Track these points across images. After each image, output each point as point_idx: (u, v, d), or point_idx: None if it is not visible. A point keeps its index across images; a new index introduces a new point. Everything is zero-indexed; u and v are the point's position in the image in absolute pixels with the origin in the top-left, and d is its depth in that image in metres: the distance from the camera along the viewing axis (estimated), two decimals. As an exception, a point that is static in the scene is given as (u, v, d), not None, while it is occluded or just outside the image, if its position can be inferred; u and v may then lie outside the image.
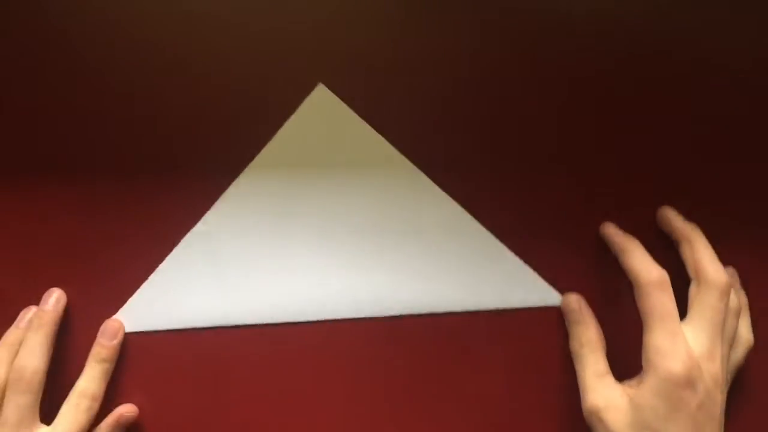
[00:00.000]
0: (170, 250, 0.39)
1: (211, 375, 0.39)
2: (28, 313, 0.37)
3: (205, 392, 0.39)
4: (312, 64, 0.40)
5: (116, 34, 0.40)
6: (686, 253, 0.37)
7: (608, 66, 0.41)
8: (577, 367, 0.37)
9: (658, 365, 0.32)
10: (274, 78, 0.40)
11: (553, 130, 0.41)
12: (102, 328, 0.38)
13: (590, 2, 0.41)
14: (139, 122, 0.40)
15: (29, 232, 0.39)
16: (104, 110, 0.40)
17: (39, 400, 0.35)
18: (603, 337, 0.38)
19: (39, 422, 0.35)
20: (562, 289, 0.40)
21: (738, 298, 0.37)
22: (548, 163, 0.41)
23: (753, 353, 0.38)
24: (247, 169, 0.40)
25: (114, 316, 0.39)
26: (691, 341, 0.33)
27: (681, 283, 0.36)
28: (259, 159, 0.40)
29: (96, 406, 0.36)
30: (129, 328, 0.39)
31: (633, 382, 0.35)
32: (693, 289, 0.35)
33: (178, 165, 0.40)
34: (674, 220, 0.39)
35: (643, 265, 0.35)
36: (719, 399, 0.33)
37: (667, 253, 0.38)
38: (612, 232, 0.38)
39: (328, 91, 0.40)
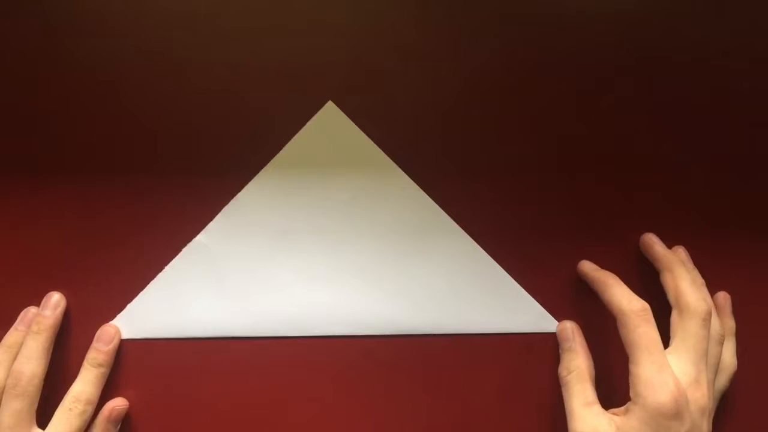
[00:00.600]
0: (171, 258, 0.40)
1: (205, 384, 0.39)
2: (27, 314, 0.38)
3: (198, 401, 0.39)
4: (322, 82, 0.40)
5: (130, 43, 0.39)
6: (667, 281, 0.37)
7: (612, 72, 0.41)
8: (565, 395, 0.37)
9: (646, 397, 0.33)
10: (284, 94, 0.40)
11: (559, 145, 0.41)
12: (98, 333, 0.38)
13: (590, 5, 0.41)
14: (147, 131, 0.40)
15: (30, 235, 0.39)
16: (110, 118, 0.40)
17: (35, 404, 0.35)
18: (592, 366, 0.38)
19: (35, 426, 0.35)
20: (558, 312, 0.40)
21: (724, 324, 0.38)
22: (552, 186, 0.41)
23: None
24: (251, 183, 0.40)
25: (111, 322, 0.39)
26: (676, 370, 0.33)
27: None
28: (264, 173, 0.40)
29: (90, 410, 0.36)
30: (126, 335, 0.39)
31: (620, 410, 0.35)
32: (674, 318, 0.36)
33: (182, 175, 0.40)
34: (656, 247, 0.39)
35: (624, 297, 0.35)
36: (705, 427, 0.34)
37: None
38: (590, 268, 0.39)
39: (337, 109, 0.40)
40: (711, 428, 0.35)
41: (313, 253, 0.40)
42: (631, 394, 0.34)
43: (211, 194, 0.40)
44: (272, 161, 0.40)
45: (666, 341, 0.35)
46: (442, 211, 0.40)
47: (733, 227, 0.41)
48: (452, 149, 0.41)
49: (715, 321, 0.37)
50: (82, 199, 0.39)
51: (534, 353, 0.40)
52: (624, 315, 0.35)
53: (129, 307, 0.39)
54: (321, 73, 0.40)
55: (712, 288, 0.40)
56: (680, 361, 0.34)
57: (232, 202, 0.40)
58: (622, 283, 0.37)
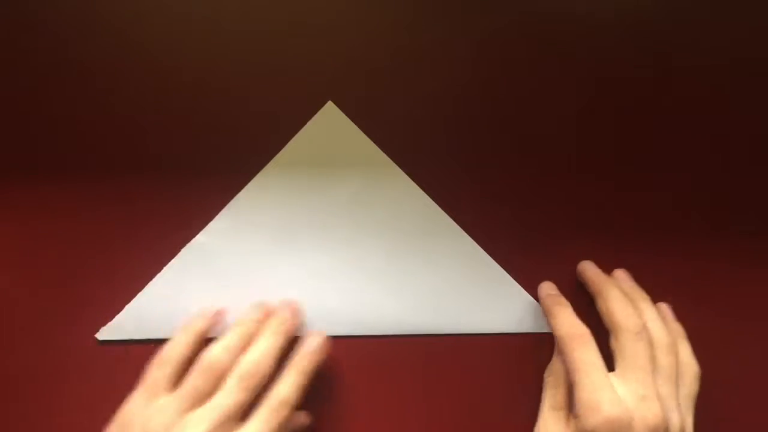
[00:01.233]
0: (171, 258, 0.39)
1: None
2: (260, 308, 0.38)
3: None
4: (322, 82, 0.40)
5: (130, 44, 0.40)
6: (600, 306, 0.37)
7: (613, 71, 0.41)
8: (542, 394, 0.38)
9: (585, 418, 0.33)
10: (285, 94, 0.40)
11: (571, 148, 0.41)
12: (307, 339, 0.37)
13: (590, 4, 0.41)
14: (147, 131, 0.40)
15: (30, 234, 0.39)
16: (110, 119, 0.40)
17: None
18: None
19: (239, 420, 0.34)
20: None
21: (671, 332, 0.37)
22: (552, 185, 0.41)
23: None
24: (251, 183, 0.40)
25: (110, 323, 0.39)
26: (620, 390, 0.33)
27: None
28: (264, 173, 0.40)
29: (291, 416, 0.35)
30: (125, 336, 0.39)
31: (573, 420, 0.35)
32: (612, 340, 0.36)
33: (183, 175, 0.40)
34: (587, 273, 0.39)
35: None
36: None
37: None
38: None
39: (337, 109, 0.40)
40: None
41: (312, 254, 0.40)
42: (576, 406, 0.34)
43: (211, 194, 0.40)
44: (272, 161, 0.40)
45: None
46: (441, 210, 0.41)
47: (733, 227, 0.42)
48: (452, 149, 0.41)
49: (659, 331, 0.36)
50: (81, 198, 0.39)
51: (535, 352, 0.40)
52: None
53: (128, 307, 0.39)
54: (321, 74, 0.40)
55: (714, 288, 0.40)
56: (624, 380, 0.34)
57: (232, 201, 0.40)
58: (568, 307, 0.37)
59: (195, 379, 0.33)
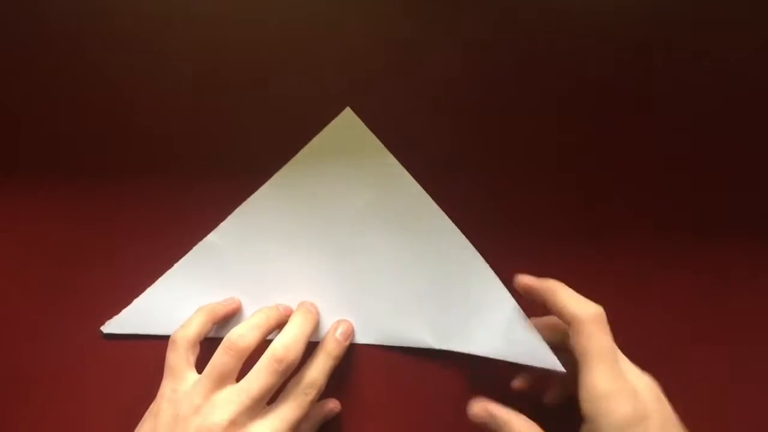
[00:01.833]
0: (182, 256, 0.40)
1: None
2: (277, 305, 0.38)
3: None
4: (341, 88, 0.40)
5: (147, 45, 0.40)
6: (552, 306, 0.34)
7: (614, 69, 0.40)
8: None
9: (606, 411, 0.30)
10: (303, 98, 0.40)
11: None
12: (336, 325, 0.38)
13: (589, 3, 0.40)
14: (165, 130, 0.40)
15: (46, 230, 0.40)
16: (129, 120, 0.40)
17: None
18: (529, 421, 0.34)
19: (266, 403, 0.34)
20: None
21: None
22: (568, 191, 0.40)
23: None
24: (264, 186, 0.40)
25: (117, 316, 0.39)
26: (601, 381, 0.31)
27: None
28: (278, 176, 0.40)
29: (317, 398, 0.35)
30: (132, 330, 0.39)
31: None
32: (572, 336, 0.33)
33: (198, 175, 0.40)
34: (531, 283, 0.35)
35: (577, 304, 0.33)
36: (668, 410, 0.32)
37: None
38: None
39: (355, 116, 0.40)
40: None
41: (322, 258, 0.40)
42: (587, 409, 0.31)
43: (225, 195, 0.40)
44: (287, 165, 0.40)
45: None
46: (454, 226, 0.39)
47: (733, 227, 0.40)
48: (468, 158, 0.40)
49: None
50: (97, 195, 0.40)
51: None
52: (579, 321, 0.32)
53: (136, 301, 0.39)
54: (340, 80, 0.40)
55: (715, 288, 0.40)
56: (598, 372, 0.31)
57: (245, 203, 0.40)
58: (570, 289, 0.34)
59: (219, 357, 0.33)
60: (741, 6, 0.40)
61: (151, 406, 0.34)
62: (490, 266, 0.38)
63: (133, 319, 0.39)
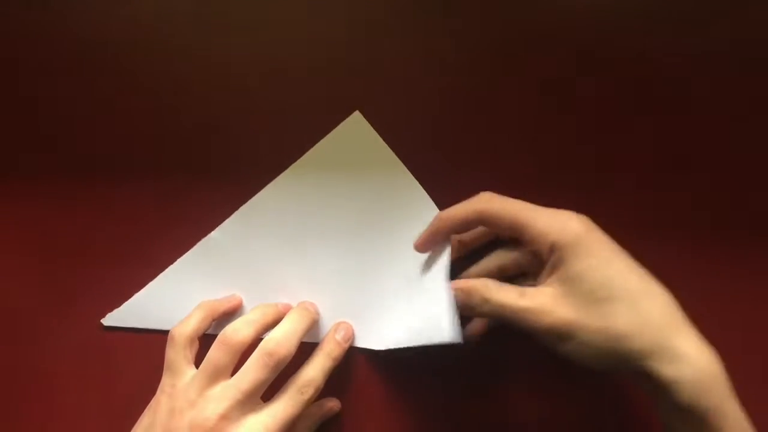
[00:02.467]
0: (184, 253, 0.40)
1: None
2: (277, 303, 0.38)
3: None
4: (351, 91, 0.40)
5: (158, 46, 0.41)
6: (521, 235, 0.33)
7: (616, 71, 0.40)
8: (505, 314, 0.31)
9: (557, 231, 0.31)
10: (313, 100, 0.40)
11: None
12: (340, 327, 0.38)
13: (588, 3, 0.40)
14: (173, 130, 0.41)
15: (46, 225, 0.41)
16: (133, 117, 0.41)
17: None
18: (483, 278, 0.33)
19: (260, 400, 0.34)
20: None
21: None
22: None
23: None
24: (269, 185, 0.40)
25: (117, 309, 0.39)
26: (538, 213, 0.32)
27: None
28: (284, 176, 0.40)
29: (314, 398, 0.35)
30: (131, 324, 0.39)
31: (541, 278, 0.32)
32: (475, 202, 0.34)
33: (203, 173, 0.40)
34: (458, 210, 0.34)
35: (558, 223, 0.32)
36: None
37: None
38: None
39: (363, 119, 0.40)
40: None
41: (323, 260, 0.39)
42: (537, 247, 0.31)
43: (230, 193, 0.40)
44: (293, 165, 0.40)
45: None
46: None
47: (734, 227, 0.40)
48: (475, 164, 0.40)
49: None
50: (104, 192, 0.41)
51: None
52: (477, 198, 0.33)
53: (137, 295, 0.39)
54: (350, 83, 0.40)
55: (716, 288, 0.39)
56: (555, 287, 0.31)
57: (250, 201, 0.40)
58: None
59: (214, 352, 0.33)
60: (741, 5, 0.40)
61: (152, 401, 0.34)
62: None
63: (133, 312, 0.39)
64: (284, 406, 0.33)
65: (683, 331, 0.30)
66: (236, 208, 0.40)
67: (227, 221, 0.40)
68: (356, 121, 0.40)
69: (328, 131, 0.40)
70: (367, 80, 0.40)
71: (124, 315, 0.39)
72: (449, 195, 0.39)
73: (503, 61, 0.40)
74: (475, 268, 0.37)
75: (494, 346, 0.39)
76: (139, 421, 0.34)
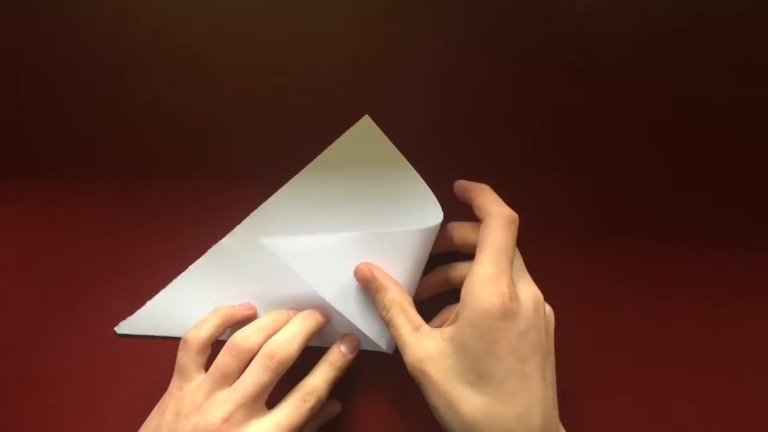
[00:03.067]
0: (195, 259, 0.40)
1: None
2: (288, 310, 0.38)
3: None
4: (360, 95, 0.40)
5: (169, 53, 0.41)
6: (475, 203, 0.35)
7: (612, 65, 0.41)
8: (392, 333, 0.34)
9: (478, 298, 0.31)
10: (323, 105, 0.40)
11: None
12: (343, 338, 0.38)
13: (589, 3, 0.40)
14: (184, 134, 0.41)
15: (60, 231, 0.41)
16: (143, 121, 0.41)
17: (274, 384, 0.34)
18: (406, 292, 0.36)
19: (264, 405, 0.34)
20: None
21: None
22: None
23: None
24: (281, 190, 0.40)
25: (131, 317, 0.39)
26: (482, 269, 0.32)
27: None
28: (294, 181, 0.40)
29: (318, 407, 0.35)
30: (144, 331, 0.39)
31: (449, 321, 0.34)
32: (481, 229, 0.34)
33: (214, 177, 0.40)
34: (464, 184, 0.37)
35: (495, 204, 0.34)
36: (543, 326, 0.32)
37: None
38: (464, 182, 0.37)
39: (373, 123, 0.40)
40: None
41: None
42: (462, 295, 0.32)
43: (241, 199, 0.40)
44: (304, 170, 0.40)
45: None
46: None
47: (735, 227, 0.40)
48: (486, 167, 0.40)
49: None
50: (116, 196, 0.41)
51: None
52: (490, 217, 0.33)
53: (150, 302, 0.39)
54: (359, 87, 0.40)
55: (716, 288, 0.40)
56: (486, 262, 0.32)
57: (261, 207, 0.40)
58: (495, 193, 0.35)
59: (222, 357, 0.34)
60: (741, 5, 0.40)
61: (160, 401, 0.35)
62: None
63: (147, 320, 0.39)
64: (287, 413, 0.33)
65: None
66: (244, 211, 0.40)
67: (239, 226, 0.40)
68: (366, 125, 0.40)
69: (335, 133, 0.40)
70: (372, 82, 0.40)
71: (138, 322, 0.39)
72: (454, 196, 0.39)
73: (512, 65, 0.40)
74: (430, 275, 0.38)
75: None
76: (146, 421, 0.35)
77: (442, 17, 0.40)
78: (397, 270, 0.37)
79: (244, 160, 0.41)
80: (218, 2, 0.41)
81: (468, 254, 0.36)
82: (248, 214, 0.40)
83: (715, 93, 0.41)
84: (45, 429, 0.39)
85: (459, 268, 0.37)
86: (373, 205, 0.39)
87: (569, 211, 0.40)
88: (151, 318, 0.39)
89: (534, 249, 0.36)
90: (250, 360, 0.34)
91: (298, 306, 0.39)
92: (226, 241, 0.40)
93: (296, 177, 0.40)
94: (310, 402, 0.34)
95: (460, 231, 0.37)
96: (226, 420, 0.32)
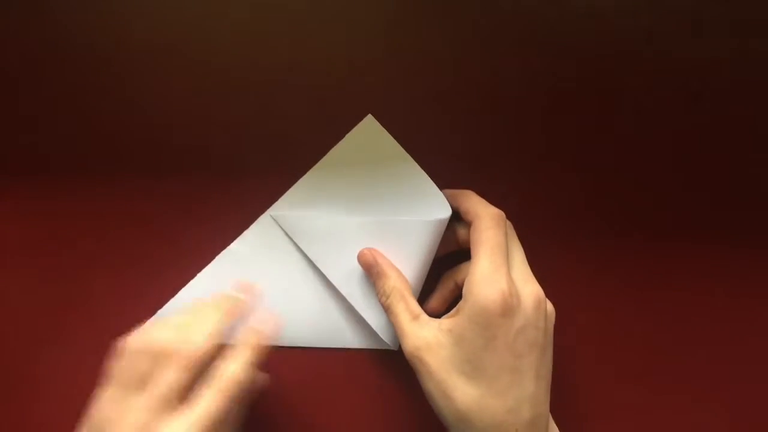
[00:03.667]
0: (202, 264, 0.39)
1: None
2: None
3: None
4: (361, 96, 0.40)
5: (177, 56, 0.40)
6: (461, 208, 0.37)
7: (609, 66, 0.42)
8: (391, 320, 0.36)
9: (476, 293, 0.32)
10: (324, 107, 0.40)
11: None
12: (257, 317, 0.34)
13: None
14: (189, 136, 0.40)
15: (59, 232, 0.40)
16: (146, 124, 0.40)
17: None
18: (406, 280, 0.37)
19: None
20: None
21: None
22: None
23: None
24: (287, 194, 0.40)
25: (141, 328, 0.38)
26: (480, 267, 0.33)
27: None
28: (299, 185, 0.40)
29: (241, 393, 0.31)
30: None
31: (450, 313, 0.34)
32: (471, 231, 0.35)
33: (220, 181, 0.40)
34: (449, 192, 0.38)
35: (482, 205, 0.36)
36: (542, 324, 0.33)
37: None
38: (449, 190, 0.38)
39: (376, 122, 0.40)
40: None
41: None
42: (464, 292, 0.33)
43: (247, 203, 0.40)
44: (309, 173, 0.40)
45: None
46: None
47: (735, 227, 0.42)
48: (490, 161, 0.41)
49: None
50: (121, 203, 0.40)
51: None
52: (480, 216, 0.35)
53: (160, 312, 0.39)
54: (360, 87, 0.40)
55: (717, 288, 0.41)
56: (481, 262, 0.33)
57: (267, 212, 0.40)
58: (479, 196, 0.37)
59: (132, 363, 0.31)
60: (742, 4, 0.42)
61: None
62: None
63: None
64: (207, 407, 0.30)
65: None
66: (248, 213, 0.40)
67: (247, 232, 0.39)
68: (369, 125, 0.40)
69: (337, 133, 0.40)
70: (372, 83, 0.41)
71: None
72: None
73: (512, 66, 0.41)
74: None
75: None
76: None
77: (443, 18, 0.41)
78: (403, 259, 0.38)
79: (246, 161, 0.40)
80: (219, 4, 0.40)
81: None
82: (251, 216, 0.40)
83: (715, 93, 0.42)
84: (45, 429, 0.38)
85: (464, 270, 0.38)
86: (381, 202, 0.39)
87: (571, 210, 0.41)
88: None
89: (534, 248, 0.36)
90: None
91: (308, 310, 0.39)
92: (234, 247, 0.39)
93: (301, 180, 0.40)
94: (232, 390, 0.30)
95: (463, 229, 0.38)
96: (140, 428, 0.29)
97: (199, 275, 0.39)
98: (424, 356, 0.33)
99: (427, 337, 0.33)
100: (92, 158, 0.40)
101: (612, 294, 0.41)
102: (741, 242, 0.42)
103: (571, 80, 0.41)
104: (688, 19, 0.42)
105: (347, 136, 0.40)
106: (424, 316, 0.35)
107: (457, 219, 0.38)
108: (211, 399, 0.30)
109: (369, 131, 0.40)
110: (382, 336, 0.38)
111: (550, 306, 0.34)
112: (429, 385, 0.33)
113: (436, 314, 0.36)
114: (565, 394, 0.38)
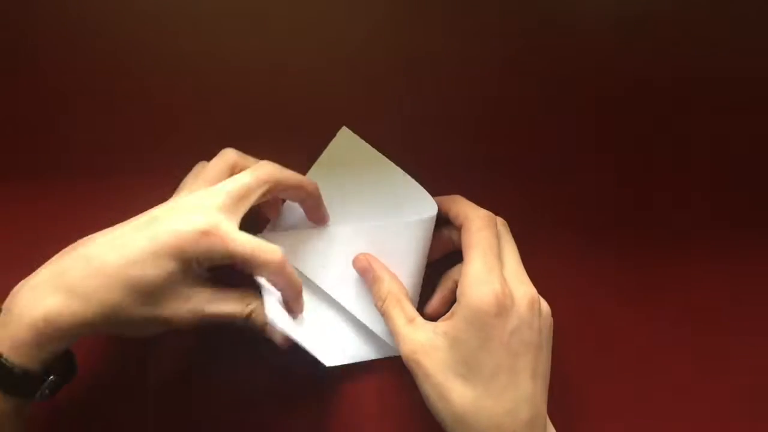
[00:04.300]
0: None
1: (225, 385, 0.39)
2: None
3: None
4: (333, 108, 0.42)
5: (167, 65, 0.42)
6: (451, 213, 0.37)
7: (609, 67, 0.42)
8: (388, 324, 0.36)
9: (470, 295, 0.33)
10: (299, 123, 0.42)
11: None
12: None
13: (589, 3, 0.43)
14: (190, 133, 0.41)
15: (59, 232, 0.38)
16: (151, 121, 0.41)
17: None
18: (402, 284, 0.37)
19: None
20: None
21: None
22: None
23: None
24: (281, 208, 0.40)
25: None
26: (473, 267, 0.34)
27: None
28: (287, 203, 0.40)
29: (273, 191, 0.35)
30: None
31: (446, 316, 0.35)
32: (462, 233, 0.36)
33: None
34: (437, 199, 0.39)
35: (471, 207, 0.36)
36: (537, 323, 0.33)
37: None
38: (437, 198, 0.39)
39: (351, 133, 0.41)
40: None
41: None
42: (458, 294, 0.34)
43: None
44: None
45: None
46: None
47: (736, 228, 0.43)
48: (474, 163, 0.42)
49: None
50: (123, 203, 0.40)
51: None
52: (470, 219, 0.35)
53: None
54: (330, 101, 0.42)
55: (717, 288, 0.42)
56: (475, 262, 0.34)
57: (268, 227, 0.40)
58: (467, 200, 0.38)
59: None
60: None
61: None
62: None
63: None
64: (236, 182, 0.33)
65: None
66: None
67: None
68: (345, 136, 0.41)
69: (316, 145, 0.41)
70: (351, 87, 0.42)
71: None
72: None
73: (508, 67, 0.43)
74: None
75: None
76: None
77: (439, 20, 0.42)
78: (396, 261, 0.38)
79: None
80: (207, 10, 0.41)
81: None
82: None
83: (716, 93, 0.43)
84: (46, 429, 0.38)
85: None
86: (368, 207, 0.40)
87: (567, 213, 0.42)
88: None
89: (532, 250, 0.37)
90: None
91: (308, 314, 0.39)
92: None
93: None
94: (265, 182, 0.33)
95: (457, 233, 0.38)
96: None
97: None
98: (420, 359, 0.33)
99: (422, 340, 0.34)
100: (91, 158, 0.40)
101: (608, 295, 0.42)
102: (738, 244, 0.43)
103: (567, 82, 0.42)
104: (689, 18, 0.43)
105: (325, 151, 0.41)
106: (420, 319, 0.35)
107: (450, 223, 0.39)
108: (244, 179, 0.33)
109: (346, 142, 0.41)
110: (387, 341, 0.38)
111: (545, 305, 0.35)
112: (426, 388, 0.33)
113: (438, 315, 0.37)
114: (561, 395, 0.37)
